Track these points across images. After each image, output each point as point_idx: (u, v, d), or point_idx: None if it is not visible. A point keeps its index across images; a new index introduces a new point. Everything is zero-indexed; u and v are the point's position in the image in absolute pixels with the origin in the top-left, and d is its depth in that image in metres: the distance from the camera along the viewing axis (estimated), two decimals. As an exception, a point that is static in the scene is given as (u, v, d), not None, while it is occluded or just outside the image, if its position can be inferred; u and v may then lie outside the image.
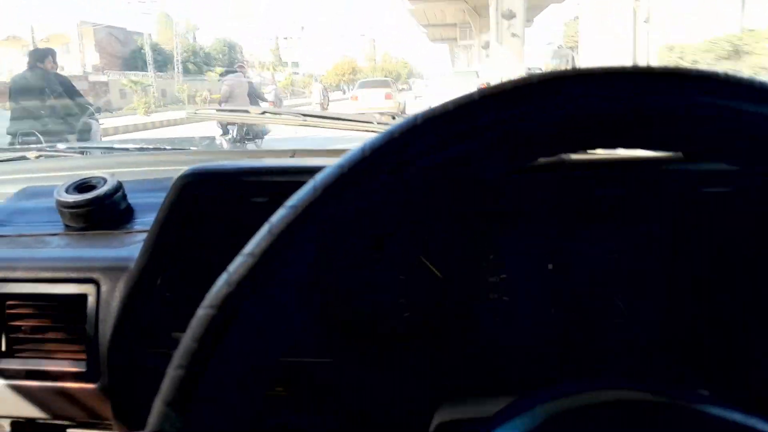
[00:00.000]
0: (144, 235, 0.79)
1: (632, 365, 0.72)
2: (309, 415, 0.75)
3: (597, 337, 0.79)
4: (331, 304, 0.84)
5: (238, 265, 0.31)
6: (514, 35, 11.73)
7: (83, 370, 0.81)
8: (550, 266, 0.81)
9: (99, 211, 0.96)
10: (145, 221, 0.94)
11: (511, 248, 0.82)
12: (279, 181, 0.74)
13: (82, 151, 1.41)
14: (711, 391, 0.69)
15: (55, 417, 0.86)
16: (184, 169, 0.76)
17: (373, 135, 0.32)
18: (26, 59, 5.06)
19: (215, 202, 0.76)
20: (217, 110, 1.28)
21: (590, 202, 0.75)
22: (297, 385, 0.74)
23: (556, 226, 0.80)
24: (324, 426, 0.75)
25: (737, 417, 0.36)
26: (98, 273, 0.82)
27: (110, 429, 0.83)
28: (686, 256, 0.76)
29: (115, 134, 11.08)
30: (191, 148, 1.48)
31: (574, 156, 0.72)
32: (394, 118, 1.25)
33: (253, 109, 1.30)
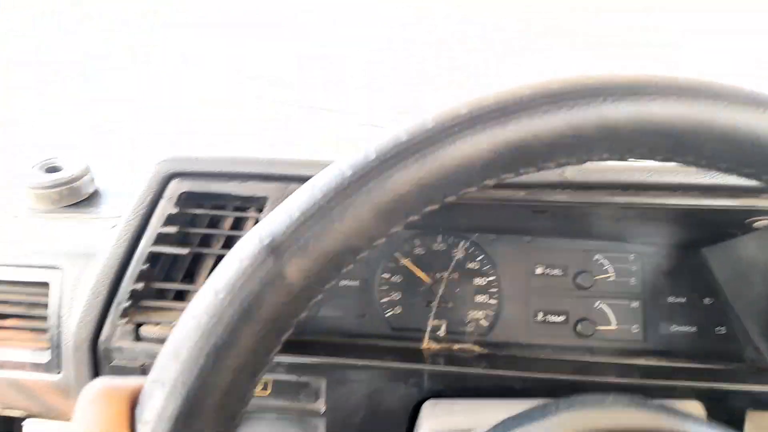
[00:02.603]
0: (112, 221, 0.74)
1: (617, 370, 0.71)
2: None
3: (579, 342, 0.78)
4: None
5: (224, 271, 0.28)
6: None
7: (44, 361, 0.76)
8: (538, 270, 0.80)
9: (65, 194, 0.90)
10: (114, 206, 0.89)
11: (498, 252, 0.81)
12: (264, 173, 0.70)
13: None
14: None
15: (13, 408, 0.81)
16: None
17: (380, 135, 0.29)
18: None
19: (195, 191, 0.72)
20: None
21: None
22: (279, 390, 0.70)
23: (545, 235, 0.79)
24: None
25: None
26: (62, 259, 0.77)
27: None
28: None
29: None
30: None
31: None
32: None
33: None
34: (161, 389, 0.27)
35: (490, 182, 0.30)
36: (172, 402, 0.27)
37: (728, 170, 0.31)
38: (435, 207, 0.30)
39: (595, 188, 0.63)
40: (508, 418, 0.43)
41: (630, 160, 0.31)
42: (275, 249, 0.28)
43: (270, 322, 0.28)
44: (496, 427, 0.43)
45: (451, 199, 0.30)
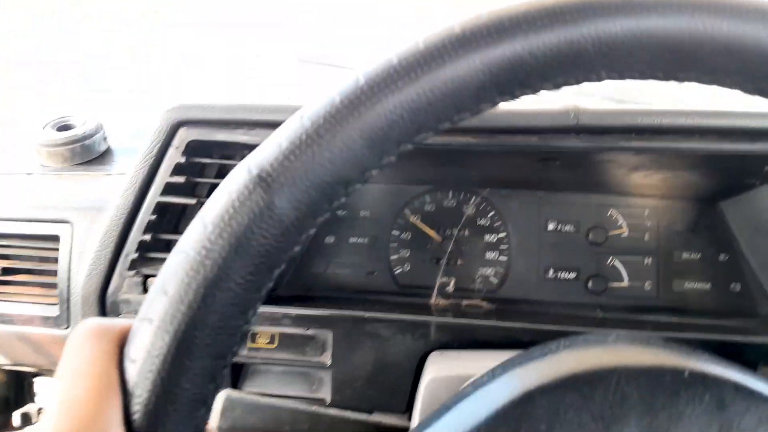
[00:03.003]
0: (123, 177, 0.74)
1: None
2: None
3: (590, 298, 0.76)
4: (321, 258, 0.81)
5: (213, 204, 0.27)
6: None
7: (55, 314, 0.76)
8: (550, 226, 0.78)
9: (77, 151, 0.90)
10: (125, 164, 0.89)
11: (509, 208, 0.79)
12: (272, 120, 0.69)
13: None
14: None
15: (23, 363, 0.82)
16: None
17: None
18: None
19: (203, 140, 0.71)
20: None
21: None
22: (286, 343, 0.70)
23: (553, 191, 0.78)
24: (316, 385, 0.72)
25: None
26: (72, 213, 0.77)
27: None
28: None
29: None
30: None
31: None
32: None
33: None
34: (149, 326, 0.27)
35: (486, 106, 0.29)
36: (160, 339, 0.26)
37: (733, 85, 0.29)
38: (429, 134, 0.29)
39: (608, 132, 0.61)
40: (509, 359, 0.42)
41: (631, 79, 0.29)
42: (264, 180, 0.27)
43: (260, 255, 0.27)
44: (496, 368, 0.42)
45: (444, 125, 0.29)
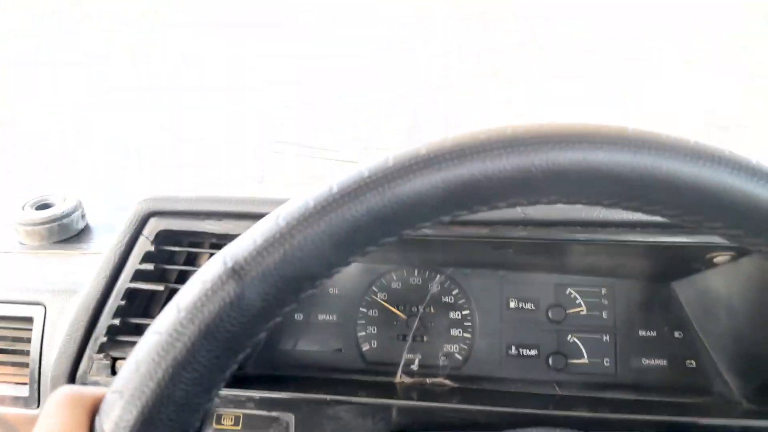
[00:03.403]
0: (96, 259, 0.77)
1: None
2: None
3: (551, 375, 0.78)
4: (290, 335, 0.83)
5: (188, 290, 0.30)
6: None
7: (25, 395, 0.78)
8: (512, 303, 0.81)
9: (55, 230, 0.93)
10: (102, 242, 0.92)
11: (472, 286, 0.82)
12: (240, 212, 0.72)
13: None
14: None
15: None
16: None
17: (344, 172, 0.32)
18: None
19: (173, 230, 0.74)
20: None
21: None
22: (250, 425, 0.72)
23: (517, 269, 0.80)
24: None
25: None
26: (47, 295, 0.79)
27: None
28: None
29: None
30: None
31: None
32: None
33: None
34: (120, 399, 0.29)
35: (445, 218, 0.32)
36: (129, 412, 0.29)
37: (673, 217, 0.32)
38: (392, 239, 0.32)
39: (554, 225, 0.64)
40: None
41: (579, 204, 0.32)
42: (237, 272, 0.29)
43: (227, 341, 0.29)
44: None
45: (408, 232, 0.32)
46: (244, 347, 0.30)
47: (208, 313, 0.29)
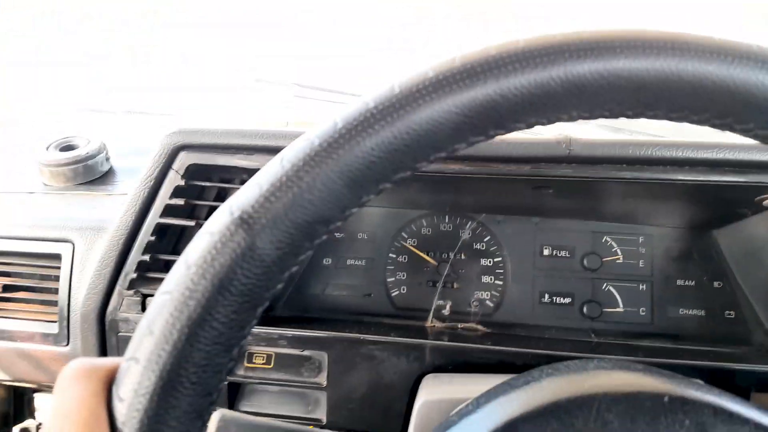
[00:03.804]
0: (124, 198, 0.75)
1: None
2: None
3: (585, 323, 0.77)
4: (319, 280, 0.82)
5: (195, 245, 0.28)
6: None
7: (55, 332, 0.77)
8: (546, 251, 0.79)
9: (80, 171, 0.92)
10: (127, 184, 0.91)
11: (505, 233, 0.80)
12: (270, 146, 0.70)
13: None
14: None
15: (23, 380, 0.83)
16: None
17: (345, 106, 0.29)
18: None
19: (203, 164, 0.72)
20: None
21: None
22: (282, 364, 0.71)
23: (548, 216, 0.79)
24: (308, 404, 0.72)
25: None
26: (74, 232, 0.78)
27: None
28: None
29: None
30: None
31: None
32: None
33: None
34: (136, 366, 0.27)
35: (461, 146, 0.29)
36: (147, 378, 0.27)
37: (701, 122, 0.30)
38: (407, 174, 0.29)
39: (599, 162, 0.62)
40: (493, 388, 0.43)
41: (601, 118, 0.30)
42: (246, 221, 0.27)
43: (243, 295, 0.27)
44: (480, 396, 0.43)
45: (422, 164, 0.29)
46: (263, 300, 0.28)
47: (219, 266, 0.27)
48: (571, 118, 0.30)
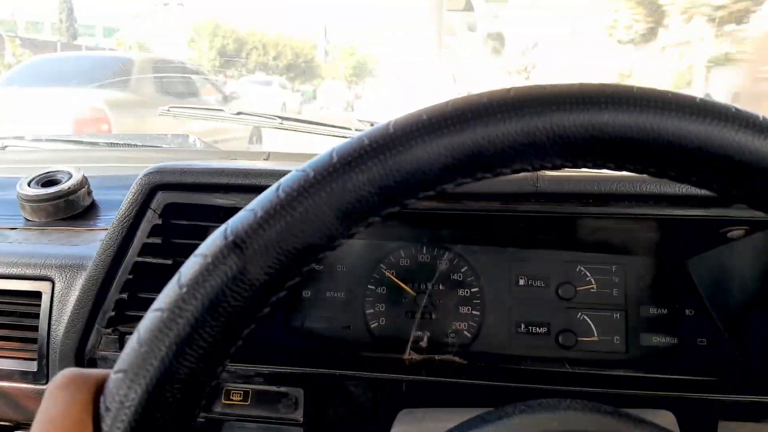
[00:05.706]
0: (103, 235, 0.76)
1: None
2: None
3: (561, 353, 0.78)
4: (298, 313, 0.83)
5: (189, 266, 0.29)
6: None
7: (33, 370, 0.77)
8: (521, 281, 0.80)
9: (61, 206, 0.93)
10: (109, 218, 0.91)
11: (481, 263, 0.81)
12: (248, 184, 0.72)
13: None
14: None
15: (1, 418, 0.83)
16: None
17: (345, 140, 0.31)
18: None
19: (180, 203, 0.73)
20: (191, 107, 1.25)
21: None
22: (259, 400, 0.71)
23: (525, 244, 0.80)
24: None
25: None
26: (54, 270, 0.79)
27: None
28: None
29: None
30: (162, 145, 1.45)
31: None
32: (372, 124, 1.23)
33: (227, 108, 1.28)
34: (124, 378, 0.28)
35: (449, 186, 0.31)
36: (134, 391, 0.28)
37: (678, 178, 0.31)
38: (395, 209, 0.31)
39: (567, 198, 0.64)
40: (465, 422, 0.44)
41: (585, 167, 0.31)
42: (239, 245, 0.29)
43: (230, 316, 0.29)
44: (452, 429, 0.43)
45: (410, 201, 0.31)
46: (249, 323, 0.30)
47: (210, 288, 0.28)
48: (555, 167, 0.31)
